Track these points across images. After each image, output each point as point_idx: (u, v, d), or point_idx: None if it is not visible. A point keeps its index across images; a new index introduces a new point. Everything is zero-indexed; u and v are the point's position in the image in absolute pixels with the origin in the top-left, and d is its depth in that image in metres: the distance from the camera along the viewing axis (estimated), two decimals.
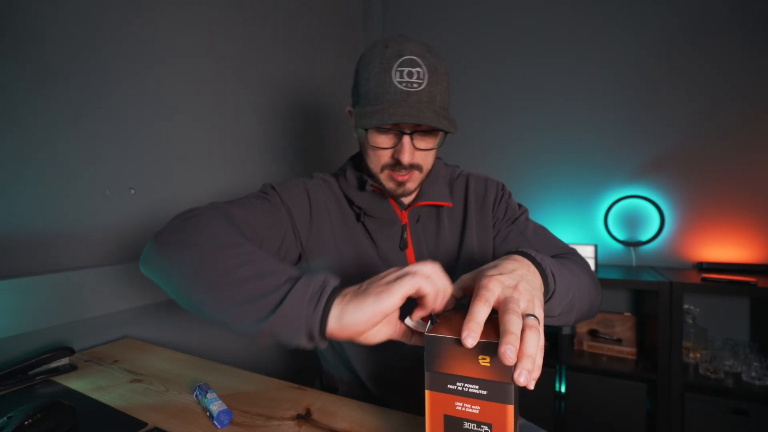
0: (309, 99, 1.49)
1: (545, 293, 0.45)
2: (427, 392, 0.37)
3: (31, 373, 0.64)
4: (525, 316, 0.36)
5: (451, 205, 0.70)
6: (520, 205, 0.76)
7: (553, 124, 1.68)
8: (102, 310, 0.81)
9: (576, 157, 1.65)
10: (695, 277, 1.32)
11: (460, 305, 0.44)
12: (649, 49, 1.52)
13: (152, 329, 0.94)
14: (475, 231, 0.71)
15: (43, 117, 0.74)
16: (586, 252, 1.50)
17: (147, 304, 0.91)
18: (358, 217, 0.69)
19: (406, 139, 0.58)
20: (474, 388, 0.35)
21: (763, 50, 1.38)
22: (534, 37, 1.70)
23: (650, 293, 1.39)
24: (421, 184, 0.66)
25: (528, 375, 0.32)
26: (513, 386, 0.34)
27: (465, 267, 0.69)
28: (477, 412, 0.35)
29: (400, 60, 0.56)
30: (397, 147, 0.60)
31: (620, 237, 1.59)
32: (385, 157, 0.61)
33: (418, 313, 0.43)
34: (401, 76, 0.56)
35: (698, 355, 1.35)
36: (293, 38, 1.41)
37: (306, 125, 1.48)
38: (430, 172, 0.67)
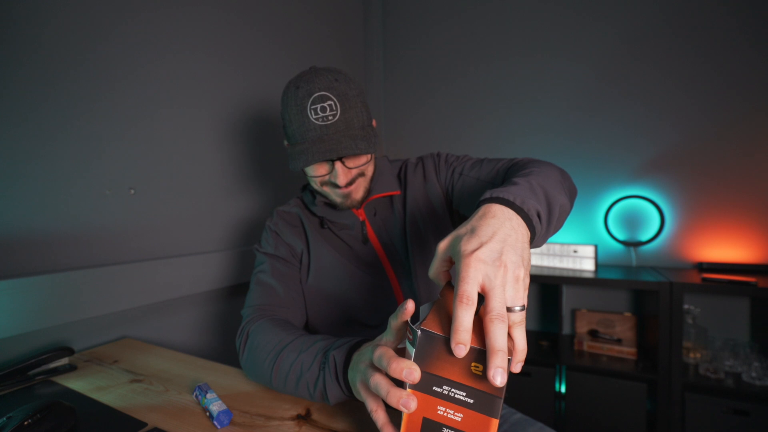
0: None
1: (532, 237, 0.43)
2: (408, 390, 0.34)
3: (30, 373, 0.64)
4: (510, 310, 0.34)
5: (399, 192, 0.76)
6: (458, 157, 0.76)
7: (552, 125, 1.68)
8: (102, 310, 0.81)
9: (576, 157, 1.65)
10: (695, 277, 1.32)
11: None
12: (648, 48, 1.52)
13: (152, 329, 0.94)
14: (423, 211, 0.75)
15: (43, 117, 0.74)
16: (586, 252, 1.50)
17: (147, 304, 0.91)
18: (321, 224, 0.76)
19: (338, 165, 0.64)
20: (461, 395, 0.33)
21: (763, 50, 1.38)
22: (534, 38, 1.70)
23: (650, 293, 1.39)
24: (371, 182, 0.73)
25: (519, 366, 0.35)
26: (501, 401, 0.33)
27: (418, 245, 0.74)
28: (459, 420, 0.33)
29: (312, 98, 0.61)
30: (332, 173, 0.65)
31: (620, 237, 1.59)
32: (324, 181, 0.68)
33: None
34: (316, 113, 0.61)
35: (698, 355, 1.35)
36: (293, 38, 1.41)
37: None
38: (375, 168, 0.74)
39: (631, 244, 1.57)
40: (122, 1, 0.86)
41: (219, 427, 0.49)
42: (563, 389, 1.45)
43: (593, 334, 1.54)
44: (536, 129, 1.71)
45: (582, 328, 1.59)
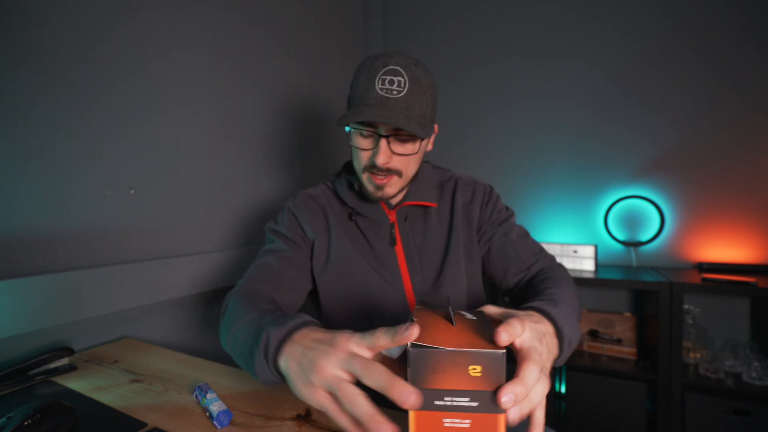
0: (309, 99, 1.49)
1: (556, 358, 0.48)
2: (411, 413, 0.33)
3: (30, 373, 0.64)
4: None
5: (436, 205, 0.74)
6: (507, 208, 0.79)
7: (553, 125, 1.68)
8: (102, 310, 0.81)
9: (576, 158, 1.65)
10: (695, 278, 1.32)
11: (436, 303, 0.42)
12: (648, 48, 1.52)
13: (152, 329, 0.94)
14: (461, 234, 0.74)
15: (43, 117, 0.74)
16: (587, 252, 1.50)
17: (147, 304, 0.91)
18: (350, 216, 0.74)
19: (382, 141, 0.62)
20: (464, 401, 0.33)
21: (763, 50, 1.38)
22: (534, 38, 1.70)
23: (650, 293, 1.39)
24: (406, 188, 0.71)
25: (519, 412, 0.34)
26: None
27: (451, 268, 0.72)
28: (468, 426, 0.32)
29: (385, 69, 0.61)
30: (374, 149, 0.63)
31: (620, 237, 1.59)
32: (365, 158, 0.65)
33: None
34: (383, 84, 0.60)
35: (698, 355, 1.35)
36: (293, 38, 1.41)
37: (306, 126, 1.47)
38: (416, 176, 0.71)
39: (631, 244, 1.57)
40: (122, 1, 0.86)
41: (219, 427, 0.49)
42: (563, 389, 1.45)
43: (593, 334, 1.54)
44: (536, 129, 1.71)
45: (582, 328, 1.59)
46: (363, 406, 0.34)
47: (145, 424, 0.50)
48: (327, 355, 0.37)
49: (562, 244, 1.56)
